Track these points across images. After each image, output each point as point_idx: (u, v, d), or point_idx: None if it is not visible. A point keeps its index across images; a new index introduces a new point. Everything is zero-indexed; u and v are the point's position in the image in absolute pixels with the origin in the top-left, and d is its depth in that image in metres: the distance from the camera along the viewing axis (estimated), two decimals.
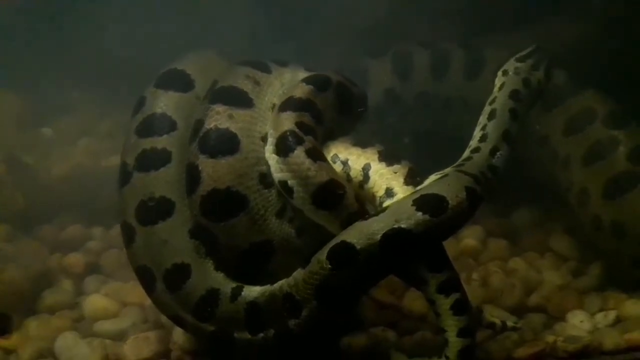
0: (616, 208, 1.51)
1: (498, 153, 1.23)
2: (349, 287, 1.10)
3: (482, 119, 1.30)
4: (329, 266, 1.07)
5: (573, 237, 1.68)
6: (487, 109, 1.31)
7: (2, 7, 1.97)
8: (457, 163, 1.22)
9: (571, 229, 1.69)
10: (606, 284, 1.54)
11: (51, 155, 1.93)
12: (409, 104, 1.75)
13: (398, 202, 1.12)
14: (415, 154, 1.28)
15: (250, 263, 1.17)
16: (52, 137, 2.03)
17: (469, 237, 1.68)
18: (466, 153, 1.25)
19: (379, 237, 1.05)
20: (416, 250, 1.09)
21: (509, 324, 1.33)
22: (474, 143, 1.26)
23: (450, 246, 1.61)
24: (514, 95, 1.32)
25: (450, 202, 1.08)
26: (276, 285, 1.13)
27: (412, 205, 1.08)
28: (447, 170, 1.18)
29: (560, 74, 1.67)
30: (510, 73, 1.37)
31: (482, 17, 1.73)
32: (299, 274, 1.10)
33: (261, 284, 1.16)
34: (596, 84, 1.63)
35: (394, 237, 1.05)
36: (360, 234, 1.07)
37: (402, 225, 1.06)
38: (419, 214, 1.06)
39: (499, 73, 1.39)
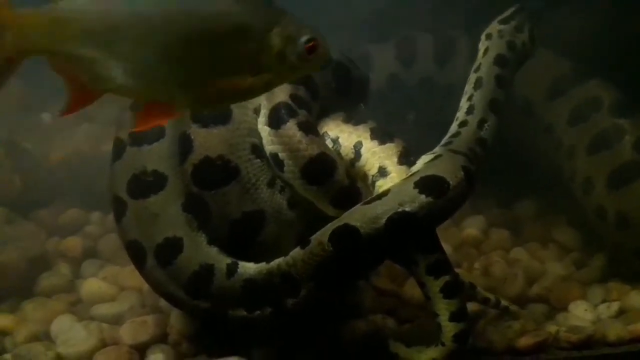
0: (621, 198, 1.50)
1: (486, 125, 1.22)
2: (350, 269, 1.09)
3: (468, 88, 1.28)
4: (331, 248, 1.05)
5: (576, 228, 1.67)
6: (472, 77, 1.29)
7: None
8: (445, 140, 1.21)
9: (574, 220, 1.68)
10: (609, 275, 1.53)
11: (50, 140, 1.92)
12: (412, 90, 1.74)
13: (398, 185, 1.11)
14: (415, 136, 1.27)
15: (241, 233, 1.16)
16: (51, 122, 2.02)
17: (471, 227, 1.68)
18: (454, 127, 1.24)
19: (383, 221, 1.04)
20: (419, 233, 1.08)
21: (504, 303, 1.32)
22: (461, 115, 1.25)
23: (452, 235, 1.63)
24: (498, 60, 1.30)
25: (450, 182, 1.07)
26: (273, 263, 1.11)
27: (414, 187, 1.06)
28: (438, 150, 1.17)
29: (565, 62, 1.66)
30: (493, 37, 1.34)
31: (486, 5, 1.71)
32: (297, 253, 1.09)
33: (253, 257, 1.14)
34: (601, 74, 1.62)
35: (399, 221, 1.04)
36: (363, 217, 1.05)
37: (407, 209, 1.04)
38: (422, 196, 1.05)
39: (482, 37, 1.36)
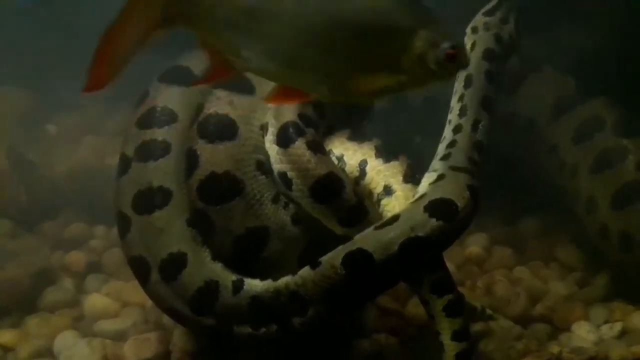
0: (624, 218, 1.49)
1: (480, 125, 1.21)
2: (361, 293, 1.10)
3: (458, 87, 1.26)
4: (344, 272, 1.06)
5: (579, 246, 1.67)
6: (461, 75, 1.26)
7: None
8: (443, 150, 1.20)
9: (577, 239, 1.67)
10: (612, 295, 1.52)
11: (55, 152, 1.93)
12: (417, 107, 1.74)
13: (408, 209, 1.11)
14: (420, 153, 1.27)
15: (245, 249, 1.17)
16: (56, 134, 2.03)
17: (474, 245, 1.67)
18: (448, 133, 1.23)
19: (396, 246, 1.05)
20: (431, 257, 1.09)
21: (488, 311, 1.33)
22: (453, 118, 1.23)
23: (455, 253, 1.62)
24: (487, 55, 1.27)
25: (458, 204, 1.09)
26: (281, 281, 1.12)
27: (424, 212, 1.07)
28: (439, 167, 1.17)
29: (568, 81, 1.66)
30: (480, 30, 1.31)
31: None
32: (307, 274, 1.09)
33: (256, 272, 1.15)
34: (604, 92, 1.62)
35: (412, 246, 1.05)
36: (377, 242, 1.06)
37: (419, 234, 1.05)
38: (433, 220, 1.06)
39: (468, 31, 1.33)
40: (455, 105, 1.25)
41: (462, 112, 1.23)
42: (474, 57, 1.27)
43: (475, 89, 1.24)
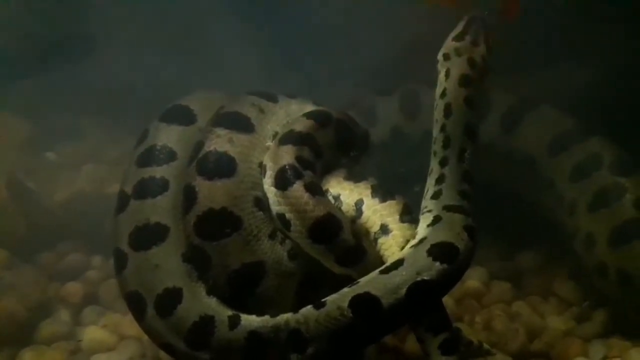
0: (622, 256, 1.49)
1: (466, 154, 1.22)
2: (366, 335, 1.11)
3: (438, 116, 1.25)
4: (351, 315, 1.07)
5: (577, 282, 1.66)
6: (440, 104, 1.25)
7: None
8: (433, 187, 1.21)
9: (576, 274, 1.67)
10: (610, 331, 1.52)
11: (55, 180, 1.93)
12: (416, 143, 1.74)
13: (411, 253, 1.12)
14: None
15: (240, 284, 1.18)
16: (56, 162, 2.03)
17: (473, 279, 1.67)
18: (435, 166, 1.23)
19: (403, 291, 1.06)
20: (436, 299, 1.11)
21: (485, 346, 1.31)
22: (439, 150, 1.24)
23: (454, 288, 1.62)
24: (463, 81, 1.26)
25: (459, 247, 1.10)
26: (279, 318, 1.12)
27: (427, 256, 1.09)
28: (431, 207, 1.19)
29: (566, 119, 1.67)
30: (452, 56, 1.29)
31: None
32: (311, 313, 1.09)
33: (252, 307, 1.15)
34: (605, 130, 1.63)
35: (418, 290, 1.07)
36: (384, 287, 1.07)
37: (425, 277, 1.07)
38: (437, 263, 1.08)
39: (440, 58, 1.31)
40: (438, 135, 1.25)
41: (445, 143, 1.23)
42: (451, 85, 1.26)
43: (456, 117, 1.24)
